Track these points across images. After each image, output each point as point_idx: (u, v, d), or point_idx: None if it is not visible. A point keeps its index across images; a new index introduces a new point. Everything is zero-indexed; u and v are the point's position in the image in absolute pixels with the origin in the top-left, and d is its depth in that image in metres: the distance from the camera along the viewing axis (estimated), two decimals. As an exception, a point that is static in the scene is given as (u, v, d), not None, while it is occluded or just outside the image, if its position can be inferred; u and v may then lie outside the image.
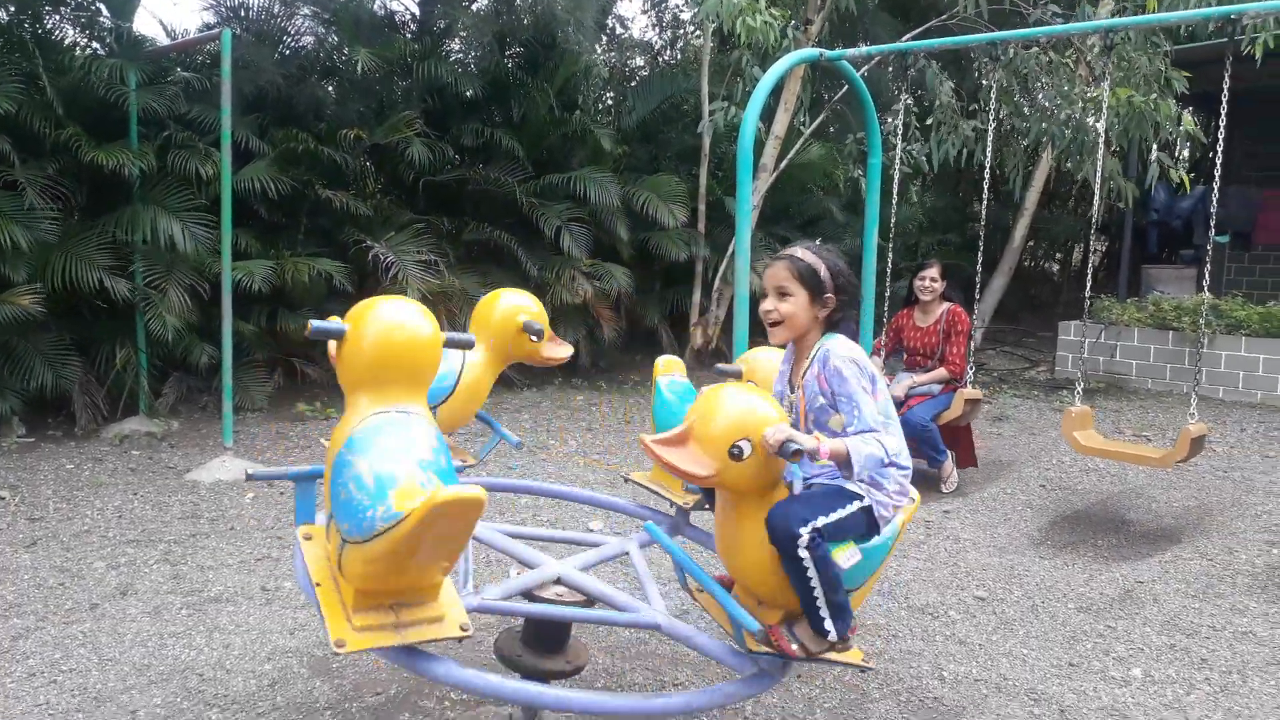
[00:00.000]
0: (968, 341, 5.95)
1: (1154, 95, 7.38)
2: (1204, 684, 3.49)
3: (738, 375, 3.05)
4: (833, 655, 2.48)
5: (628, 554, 3.04)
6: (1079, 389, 5.49)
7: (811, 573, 2.37)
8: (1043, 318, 13.82)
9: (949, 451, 6.00)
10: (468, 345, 2.62)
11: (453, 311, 8.00)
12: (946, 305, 6.06)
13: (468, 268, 8.70)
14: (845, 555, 2.45)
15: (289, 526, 5.02)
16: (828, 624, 2.42)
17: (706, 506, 2.96)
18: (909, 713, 3.27)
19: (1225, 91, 4.84)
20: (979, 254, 6.20)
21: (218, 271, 6.88)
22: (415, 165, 8.29)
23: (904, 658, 3.68)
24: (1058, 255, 17.91)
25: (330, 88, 8.91)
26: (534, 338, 3.26)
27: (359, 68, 8.01)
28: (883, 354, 6.28)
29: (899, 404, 5.92)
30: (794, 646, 2.46)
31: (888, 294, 6.36)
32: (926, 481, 6.10)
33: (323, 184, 7.89)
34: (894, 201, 6.47)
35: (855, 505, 2.51)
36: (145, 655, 3.59)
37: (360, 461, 2.13)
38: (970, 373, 5.92)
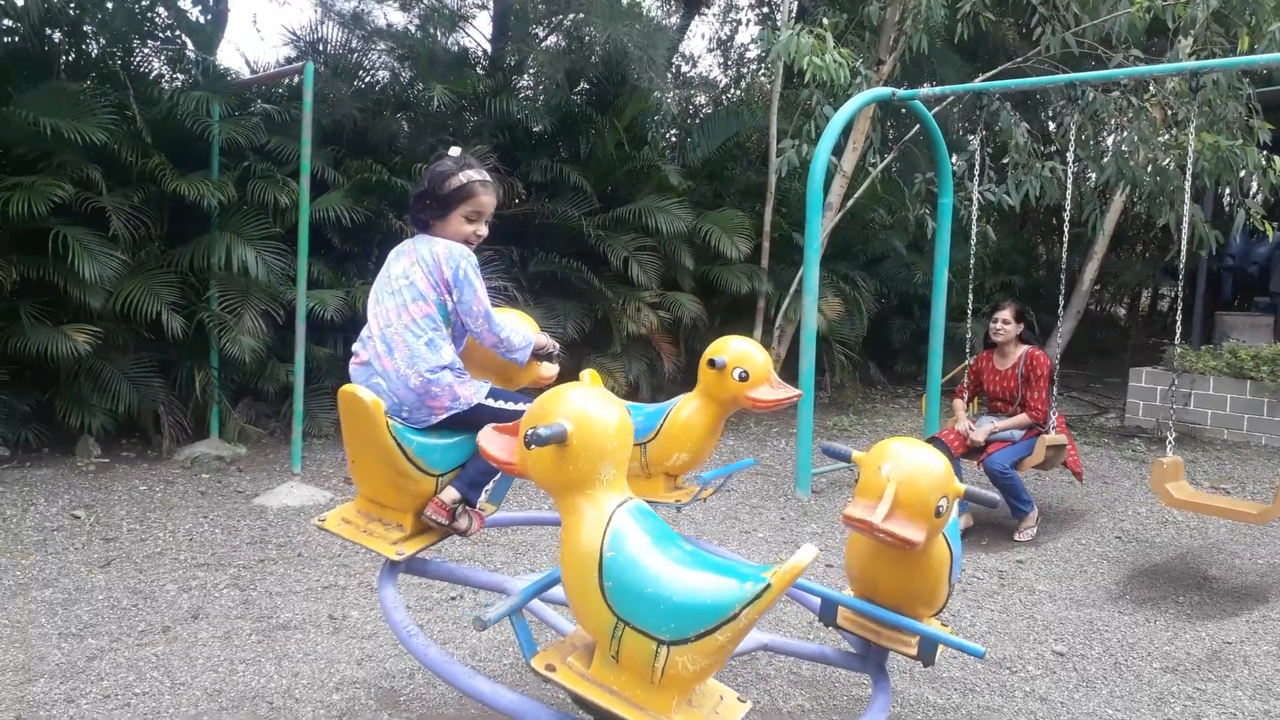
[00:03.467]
0: (1049, 385, 5.80)
1: (1239, 141, 7.20)
2: (1304, 754, 3.33)
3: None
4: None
5: None
6: (1171, 439, 5.31)
7: None
8: (1110, 363, 13.51)
9: (1034, 503, 5.84)
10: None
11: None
12: (1025, 349, 5.94)
13: (535, 298, 8.76)
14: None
15: (355, 554, 5.05)
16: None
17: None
18: (990, 772, 3.15)
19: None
20: (1059, 296, 6.08)
21: (290, 299, 7.02)
22: (484, 199, 8.37)
23: (982, 714, 3.56)
24: (1125, 300, 17.55)
25: (404, 122, 9.08)
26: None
27: (433, 103, 8.16)
28: (965, 397, 6.15)
29: (979, 449, 5.79)
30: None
31: (968, 336, 6.25)
32: (1000, 529, 5.96)
33: (395, 214, 8.02)
34: (971, 241, 6.38)
35: None
36: (216, 680, 3.61)
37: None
38: (1053, 417, 5.77)
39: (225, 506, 5.89)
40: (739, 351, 3.21)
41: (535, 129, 9.44)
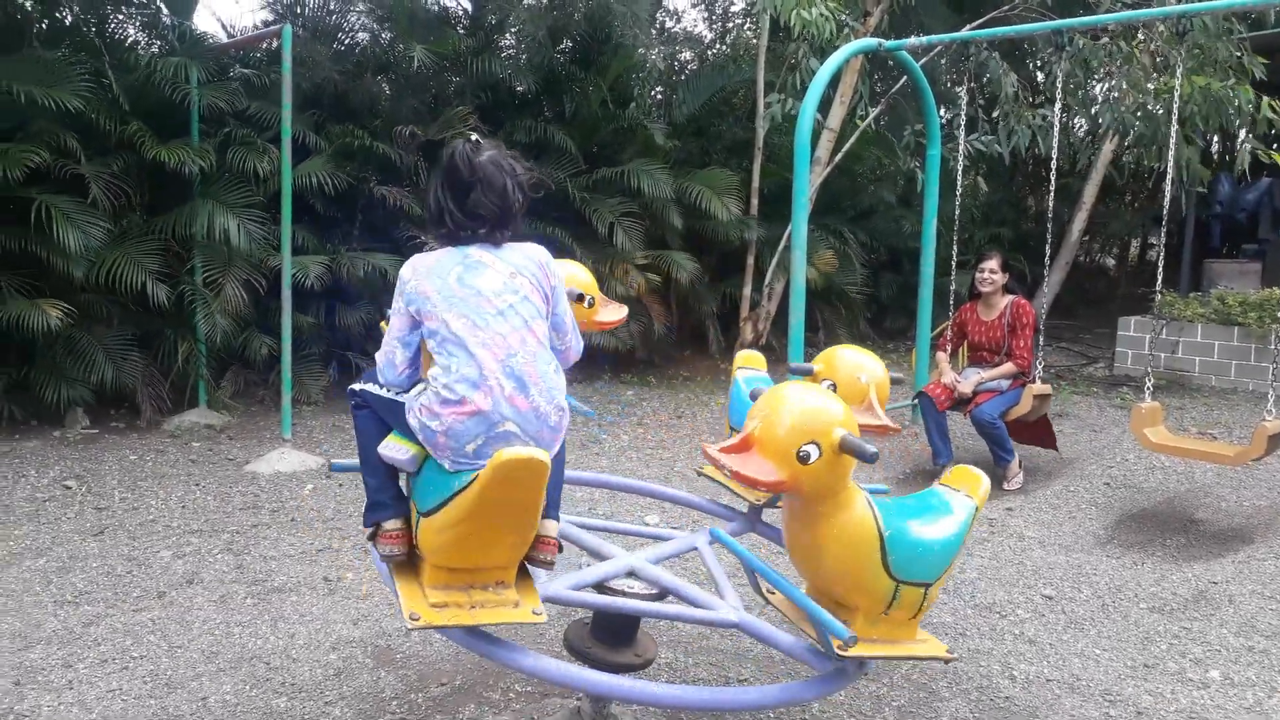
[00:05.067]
0: (1034, 334, 5.82)
1: (1231, 82, 7.15)
2: (1287, 688, 3.38)
3: (809, 374, 2.95)
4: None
5: (696, 549, 2.99)
6: (1149, 385, 5.35)
7: (353, 426, 2.54)
8: (1099, 313, 13.54)
9: (1015, 452, 5.89)
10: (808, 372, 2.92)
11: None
12: (1010, 298, 5.94)
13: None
14: (387, 444, 2.42)
15: (348, 518, 5.07)
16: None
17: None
18: (980, 712, 3.20)
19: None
20: (1046, 246, 6.07)
21: (273, 266, 6.97)
22: (468, 160, 8.30)
23: (973, 657, 3.61)
24: (1114, 250, 17.56)
25: (384, 84, 8.97)
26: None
27: (414, 63, 8.05)
28: (948, 349, 6.16)
29: (968, 400, 5.82)
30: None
31: (952, 287, 6.25)
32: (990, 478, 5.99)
33: (377, 180, 7.95)
34: (957, 193, 6.36)
35: (392, 393, 2.47)
36: (213, 643, 3.63)
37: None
38: (1038, 366, 5.81)
39: (217, 474, 5.90)
40: (587, 282, 3.21)
41: (518, 89, 9.34)
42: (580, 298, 3.15)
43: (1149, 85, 7.91)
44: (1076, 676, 3.46)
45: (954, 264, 6.17)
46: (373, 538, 2.45)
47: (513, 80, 9.11)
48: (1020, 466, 5.92)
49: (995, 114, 8.24)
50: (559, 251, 9.43)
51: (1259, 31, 9.39)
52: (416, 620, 2.18)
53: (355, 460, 2.59)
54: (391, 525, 2.39)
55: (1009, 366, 5.83)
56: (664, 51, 11.29)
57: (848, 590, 2.43)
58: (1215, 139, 12.70)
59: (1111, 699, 3.30)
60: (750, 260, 10.02)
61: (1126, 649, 3.69)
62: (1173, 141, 5.13)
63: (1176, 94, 5.03)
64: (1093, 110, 8.14)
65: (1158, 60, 8.14)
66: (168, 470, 5.95)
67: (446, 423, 2.25)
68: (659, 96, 10.99)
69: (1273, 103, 7.32)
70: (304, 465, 6.02)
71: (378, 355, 2.47)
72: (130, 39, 7.77)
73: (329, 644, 3.63)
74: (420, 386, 2.38)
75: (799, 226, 6.19)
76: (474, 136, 2.49)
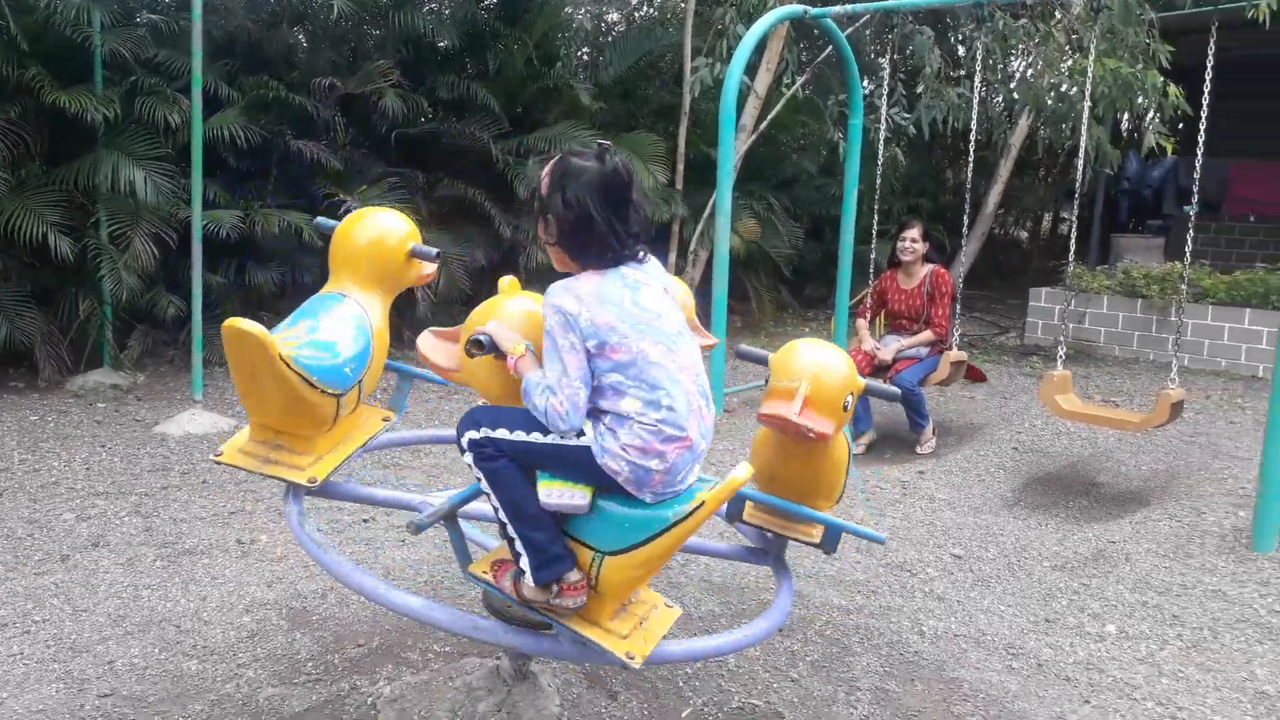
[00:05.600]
0: (952, 303, 5.97)
1: (1139, 66, 7.38)
2: (1176, 640, 3.56)
3: (762, 361, 2.70)
4: (580, 626, 2.20)
5: None
6: (1061, 354, 5.53)
7: (486, 486, 2.18)
8: (1012, 284, 13.93)
9: (930, 418, 6.04)
10: (431, 258, 2.77)
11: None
12: (929, 267, 6.07)
13: (442, 224, 8.58)
14: (554, 491, 2.17)
15: (260, 480, 4.94)
16: (523, 561, 2.15)
17: None
18: (890, 666, 3.30)
19: (1210, 60, 4.85)
20: (964, 218, 6.21)
21: (183, 219, 6.73)
22: (388, 117, 8.12)
23: (884, 613, 3.71)
24: (1027, 223, 18.03)
25: (301, 35, 8.69)
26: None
27: (332, 13, 7.80)
28: (868, 316, 6.28)
29: (887, 367, 5.94)
30: (507, 582, 2.26)
31: (872, 256, 6.35)
32: (903, 443, 6.16)
33: (293, 134, 7.71)
34: (879, 164, 6.45)
35: (555, 438, 2.16)
36: (120, 606, 3.53)
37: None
38: (955, 334, 5.95)
39: (124, 435, 5.71)
40: (412, 228, 2.83)
41: (441, 44, 9.15)
42: (427, 254, 3.07)
43: (1063, 65, 8.11)
44: (982, 631, 3.59)
45: (874, 233, 6.27)
46: (543, 594, 2.18)
47: (434, 35, 8.91)
48: (934, 432, 6.08)
49: (919, 89, 8.34)
50: (478, 214, 9.26)
51: (1168, 12, 9.69)
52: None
53: (438, 511, 2.34)
54: (575, 576, 2.17)
55: (928, 334, 5.97)
56: (591, 11, 11.15)
57: (825, 495, 2.67)
58: (1125, 118, 13.09)
59: (1015, 652, 3.43)
60: (675, 227, 10.02)
61: (1029, 605, 3.84)
62: (1085, 121, 5.28)
63: (1089, 75, 5.16)
64: (1010, 87, 8.31)
65: (1073, 38, 8.34)
66: (71, 431, 5.73)
67: (670, 459, 2.12)
68: (585, 57, 10.88)
69: (1176, 90, 7.58)
70: (216, 427, 5.86)
71: (536, 400, 2.13)
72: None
73: (242, 606, 3.57)
74: (602, 426, 2.14)
75: (724, 194, 6.21)
76: (602, 141, 2.26)
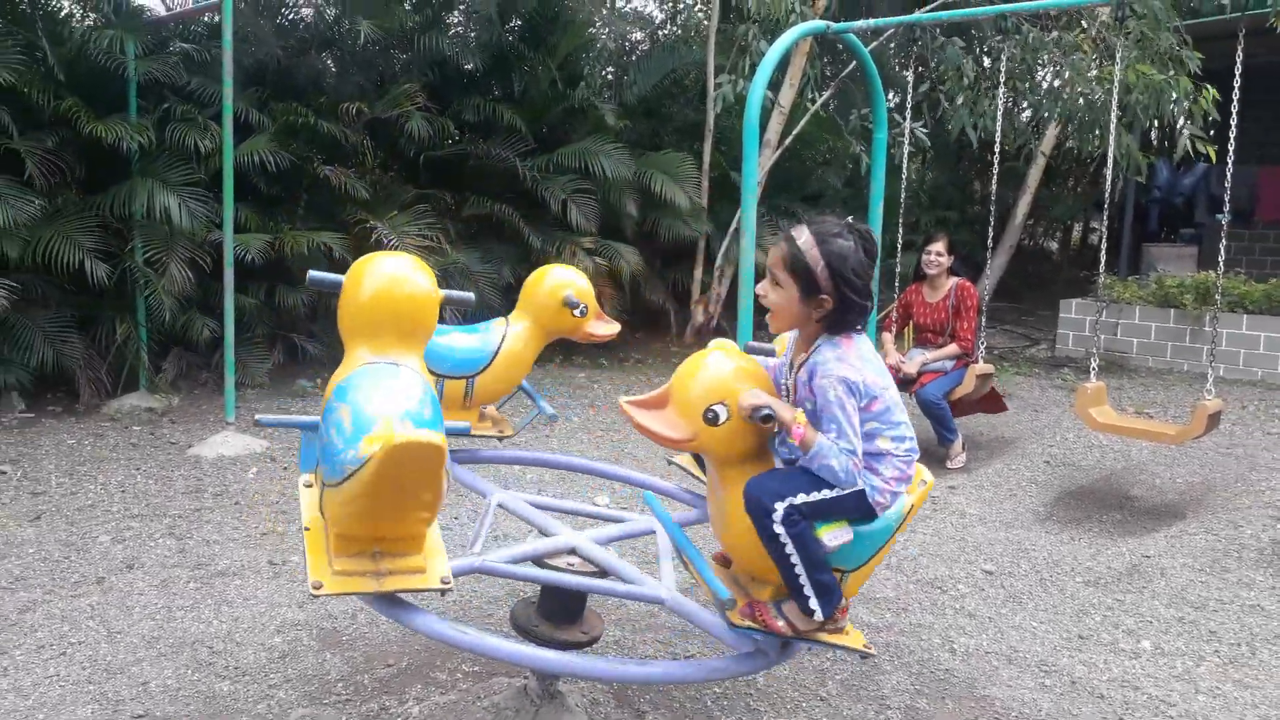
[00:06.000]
0: (977, 316, 5.93)
1: (1171, 73, 7.32)
2: (1213, 656, 3.50)
3: (770, 354, 2.76)
4: (828, 637, 2.44)
5: (654, 531, 2.97)
6: (1094, 365, 5.47)
7: (790, 549, 2.28)
8: (1042, 296, 13.81)
9: (959, 432, 5.99)
10: (468, 303, 2.63)
11: (455, 287, 7.94)
12: (954, 280, 6.04)
13: (469, 243, 8.65)
14: (832, 534, 2.32)
15: (293, 502, 5.01)
16: (812, 602, 2.33)
17: None
18: (921, 684, 3.27)
19: (1239, 66, 4.81)
20: (989, 229, 6.17)
21: (214, 242, 6.84)
22: (415, 140, 8.22)
23: (914, 630, 3.68)
24: (1057, 234, 17.89)
25: (329, 60, 8.82)
26: (576, 313, 3.24)
27: (359, 39, 7.92)
28: (893, 330, 6.25)
29: (912, 380, 5.91)
30: (780, 623, 2.40)
31: (898, 269, 6.32)
32: (932, 458, 6.10)
33: (322, 159, 7.82)
34: (903, 177, 6.43)
35: (838, 490, 2.33)
36: (154, 628, 3.58)
37: (343, 407, 2.15)
38: (981, 347, 5.92)
39: (158, 458, 5.79)
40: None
41: (467, 67, 9.25)
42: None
43: (1091, 73, 8.06)
44: (1014, 648, 3.55)
45: (899, 246, 6.25)
46: (829, 623, 2.42)
47: (461, 58, 9.02)
48: (964, 446, 6.03)
49: (957, 99, 8.28)
50: (506, 231, 9.34)
51: (1196, 19, 9.60)
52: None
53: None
54: (844, 601, 2.45)
55: (953, 348, 5.93)
56: (614, 31, 11.24)
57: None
58: (1154, 125, 12.96)
59: (1047, 669, 3.39)
60: (701, 243, 10.04)
61: (1062, 621, 3.79)
62: (1113, 129, 5.24)
63: (1116, 83, 5.13)
64: (1038, 97, 8.27)
65: (1100, 47, 8.29)
66: (107, 454, 5.82)
67: (909, 478, 2.45)
68: (609, 77, 10.95)
69: (1209, 92, 7.50)
70: (248, 449, 5.93)
71: (835, 461, 2.26)
72: (65, 10, 7.54)
73: (274, 627, 3.60)
74: (865, 468, 2.35)
75: (748, 209, 6.20)
76: (846, 219, 2.45)
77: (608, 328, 3.37)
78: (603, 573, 2.69)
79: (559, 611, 2.69)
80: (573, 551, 2.72)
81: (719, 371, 2.30)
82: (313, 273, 2.44)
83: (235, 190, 6.47)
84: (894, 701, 3.15)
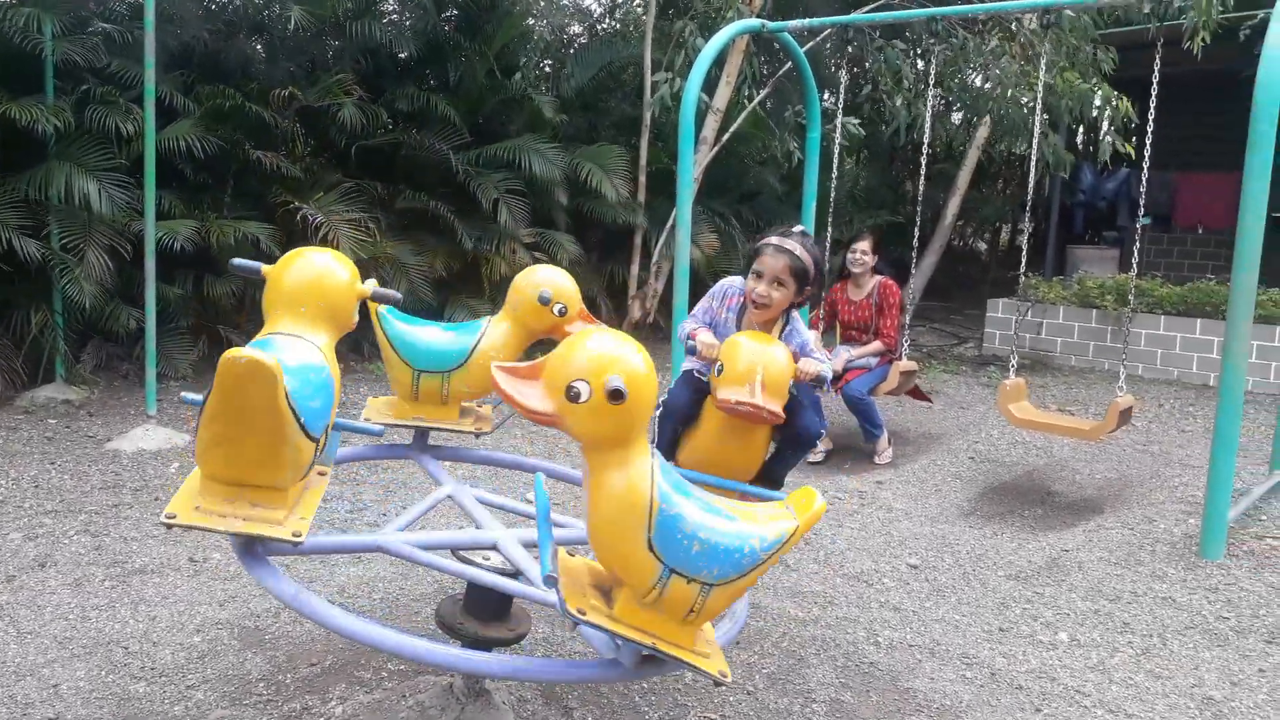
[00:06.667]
0: (900, 313, 6.04)
1: (1094, 80, 7.56)
2: (1127, 647, 3.61)
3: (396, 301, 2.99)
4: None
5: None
6: (1013, 363, 5.62)
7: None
8: (971, 296, 14.11)
9: (884, 427, 6.09)
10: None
11: (384, 278, 7.83)
12: (878, 279, 6.14)
13: (402, 236, 8.53)
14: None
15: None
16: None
17: None
18: (846, 677, 3.31)
19: (1156, 74, 4.96)
20: (915, 231, 6.28)
21: (137, 230, 6.63)
22: (347, 129, 8.07)
23: (840, 624, 3.73)
24: (986, 235, 18.27)
25: (259, 46, 8.61)
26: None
27: (290, 24, 7.74)
28: (820, 327, 6.33)
29: (836, 378, 5.99)
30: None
31: (826, 268, 6.39)
32: (859, 453, 6.20)
33: (251, 144, 7.63)
34: (833, 176, 6.51)
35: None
36: (66, 628, 3.46)
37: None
38: (904, 344, 6.02)
39: (75, 451, 5.60)
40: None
41: (400, 55, 9.11)
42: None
43: (1021, 78, 8.26)
44: (937, 641, 3.62)
45: (827, 244, 6.33)
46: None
47: (394, 46, 8.87)
48: (890, 442, 6.13)
49: (898, 100, 8.40)
50: (440, 225, 9.24)
51: (1120, 28, 9.89)
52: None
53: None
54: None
55: (876, 345, 6.04)
56: (552, 22, 11.17)
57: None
58: (1079, 129, 13.31)
59: (969, 661, 3.46)
60: (638, 239, 10.04)
61: (984, 614, 3.88)
62: (1037, 132, 5.37)
63: (1040, 86, 5.26)
64: (969, 97, 8.45)
65: (1029, 52, 8.50)
66: (19, 448, 5.62)
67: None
68: (547, 69, 10.87)
69: (1125, 101, 7.74)
70: (169, 442, 5.77)
71: (828, 372, 3.25)
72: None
73: (193, 626, 3.51)
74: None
75: (684, 207, 6.23)
76: (797, 227, 3.36)
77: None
78: (516, 572, 2.63)
79: (484, 608, 2.66)
80: (493, 547, 2.70)
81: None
82: (235, 260, 2.61)
83: (160, 177, 6.29)
84: (820, 695, 3.19)
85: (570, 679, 2.49)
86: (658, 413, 3.22)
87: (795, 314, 3.33)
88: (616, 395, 2.02)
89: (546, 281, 3.24)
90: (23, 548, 4.19)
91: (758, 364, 2.96)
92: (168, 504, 2.27)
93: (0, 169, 6.71)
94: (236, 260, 2.62)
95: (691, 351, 3.17)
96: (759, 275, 3.18)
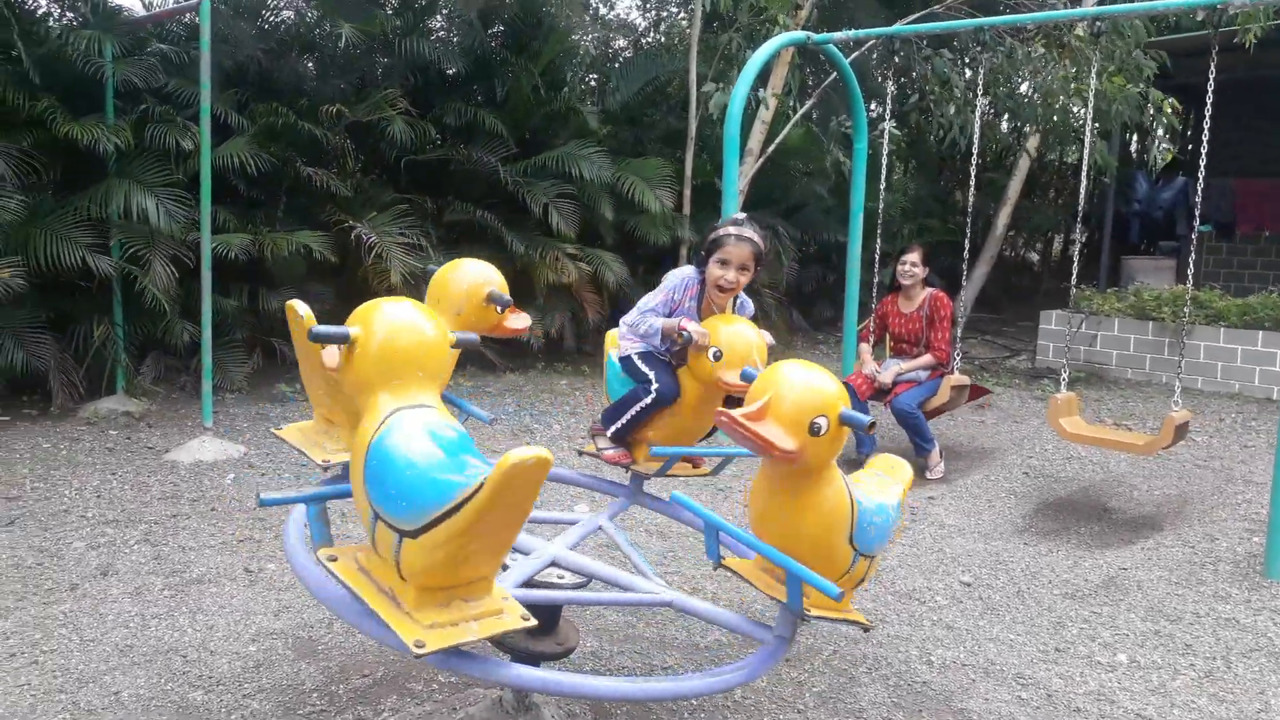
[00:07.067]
0: (952, 326, 5.96)
1: (1143, 85, 7.44)
2: (1189, 669, 3.52)
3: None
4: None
5: (601, 528, 3.11)
6: (1065, 376, 5.52)
7: None
8: (1023, 307, 13.90)
9: (935, 441, 6.01)
10: (474, 344, 2.45)
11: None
12: (929, 291, 6.07)
13: (451, 248, 8.62)
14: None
15: (270, 509, 4.96)
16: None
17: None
18: (898, 697, 3.27)
19: (1211, 81, 4.85)
20: (965, 241, 6.20)
21: (194, 242, 6.78)
22: (397, 144, 8.19)
23: (891, 642, 3.68)
24: (1038, 245, 18.00)
25: (310, 63, 8.77)
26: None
27: (341, 42, 7.88)
28: (871, 340, 6.28)
29: (887, 391, 5.93)
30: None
31: (875, 280, 6.34)
32: (912, 468, 6.12)
33: (303, 161, 7.77)
34: (881, 186, 6.46)
35: None
36: (127, 636, 3.53)
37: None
38: (956, 358, 5.94)
39: (135, 462, 5.73)
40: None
41: (449, 71, 9.22)
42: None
43: (1071, 85, 8.15)
44: (991, 661, 3.55)
45: (877, 256, 6.27)
46: None
47: (442, 62, 8.99)
48: (941, 456, 6.05)
49: (951, 109, 8.32)
50: (488, 237, 9.30)
51: (1176, 35, 9.71)
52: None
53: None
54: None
55: (927, 358, 5.96)
56: (597, 37, 11.24)
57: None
58: (1131, 137, 13.07)
59: (1024, 682, 3.40)
60: (684, 252, 10.05)
61: (1039, 634, 3.81)
62: (1088, 139, 5.29)
63: (1090, 94, 5.18)
64: (1015, 104, 8.35)
65: (1077, 59, 8.38)
66: (83, 459, 5.76)
67: None
68: (592, 83, 10.94)
69: (1172, 104, 7.60)
70: (225, 454, 5.88)
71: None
72: (41, 10, 7.48)
73: (249, 636, 3.56)
74: None
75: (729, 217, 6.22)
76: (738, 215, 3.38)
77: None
78: (586, 580, 2.69)
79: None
80: (553, 563, 2.71)
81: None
82: (315, 328, 2.18)
83: (215, 192, 6.42)
84: (871, 714, 3.15)
85: (767, 669, 2.58)
86: (648, 400, 3.27)
87: (744, 294, 3.48)
88: (851, 422, 2.34)
89: (488, 280, 3.03)
90: (85, 556, 4.29)
91: (751, 345, 3.19)
92: (400, 637, 1.98)
93: (64, 188, 6.91)
94: (317, 328, 2.19)
95: (687, 342, 3.21)
96: (725, 263, 3.25)
